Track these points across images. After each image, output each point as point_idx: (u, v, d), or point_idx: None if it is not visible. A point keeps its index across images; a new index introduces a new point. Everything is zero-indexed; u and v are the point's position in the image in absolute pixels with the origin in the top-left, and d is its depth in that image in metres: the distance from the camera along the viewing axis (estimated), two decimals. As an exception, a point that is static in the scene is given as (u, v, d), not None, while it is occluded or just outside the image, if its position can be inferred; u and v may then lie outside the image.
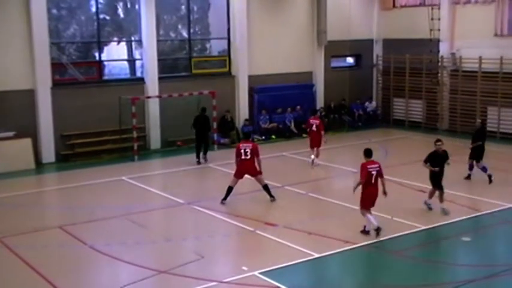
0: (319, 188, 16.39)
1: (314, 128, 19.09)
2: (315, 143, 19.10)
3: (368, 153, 12.69)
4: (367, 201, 12.57)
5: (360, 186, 12.55)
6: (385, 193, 12.53)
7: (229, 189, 14.91)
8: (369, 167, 12.47)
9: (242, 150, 14.78)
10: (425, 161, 13.92)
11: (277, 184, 16.63)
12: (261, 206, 14.97)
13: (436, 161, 13.81)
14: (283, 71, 24.50)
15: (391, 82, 26.58)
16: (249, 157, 14.76)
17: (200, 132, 19.54)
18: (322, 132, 19.13)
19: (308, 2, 25.16)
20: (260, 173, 14.98)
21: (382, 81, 27.31)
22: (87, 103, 20.37)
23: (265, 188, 15.13)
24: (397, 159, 20.01)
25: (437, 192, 14.03)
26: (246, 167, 14.87)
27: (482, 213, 13.97)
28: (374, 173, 12.43)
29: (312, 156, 19.07)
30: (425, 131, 24.89)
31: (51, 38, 19.93)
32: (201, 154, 19.59)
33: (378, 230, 12.38)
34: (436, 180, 13.94)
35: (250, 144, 15.03)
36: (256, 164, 14.89)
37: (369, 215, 12.51)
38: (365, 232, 12.56)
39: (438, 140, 14.06)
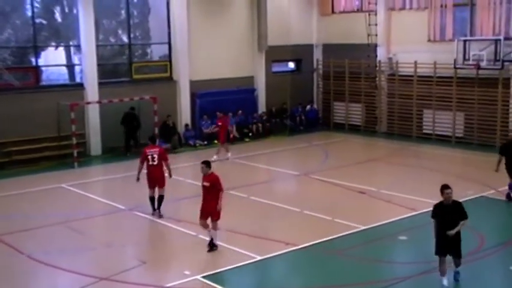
0: (260, 191, 16.52)
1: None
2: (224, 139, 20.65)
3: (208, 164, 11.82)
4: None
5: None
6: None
7: (151, 199, 14.21)
8: (204, 183, 11.78)
9: (149, 156, 13.91)
10: (433, 216, 10.17)
11: (220, 188, 16.67)
12: (203, 211, 14.94)
13: (445, 217, 9.94)
14: (224, 76, 24.58)
15: (331, 86, 27.08)
16: (156, 163, 13.91)
17: (128, 129, 21.18)
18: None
19: (248, 7, 25.37)
20: (164, 184, 14.12)
21: (322, 85, 27.78)
22: (24, 109, 19.86)
23: (160, 199, 14.15)
24: (338, 161, 20.43)
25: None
26: (154, 174, 13.94)
27: (418, 213, 14.40)
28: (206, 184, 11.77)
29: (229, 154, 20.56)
30: (364, 133, 25.50)
31: (-15, 43, 19.38)
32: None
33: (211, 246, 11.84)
34: (443, 245, 10.01)
35: (157, 149, 14.21)
36: (165, 169, 14.09)
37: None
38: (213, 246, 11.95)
39: (446, 187, 9.99)
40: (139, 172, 14.15)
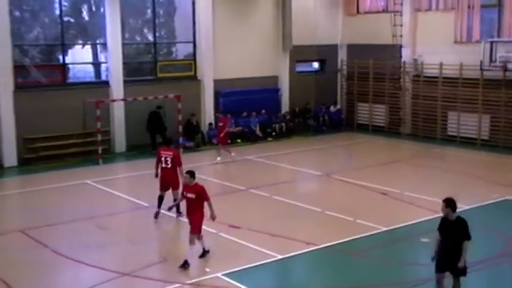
0: (282, 191, 16.55)
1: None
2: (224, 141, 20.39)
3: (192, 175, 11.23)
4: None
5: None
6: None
7: (160, 198, 13.95)
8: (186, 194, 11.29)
9: (163, 158, 13.78)
10: (438, 229, 9.41)
11: (242, 187, 16.77)
12: (225, 209, 14.93)
13: (447, 233, 9.22)
14: (248, 75, 24.65)
15: (355, 87, 26.98)
16: (169, 166, 13.72)
17: (153, 127, 21.42)
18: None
19: (273, 7, 25.40)
20: (178, 187, 13.48)
21: (346, 86, 27.69)
22: (50, 106, 20.17)
23: (174, 201, 13.60)
24: (360, 162, 20.36)
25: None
26: (166, 177, 13.77)
27: (441, 215, 14.27)
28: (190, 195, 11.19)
29: (233, 153, 20.30)
30: (388, 135, 25.35)
31: (14, 41, 19.69)
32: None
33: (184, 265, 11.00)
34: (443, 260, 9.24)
35: (171, 153, 13.88)
36: (178, 174, 13.60)
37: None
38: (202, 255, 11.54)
39: (444, 201, 9.36)
40: (156, 169, 14.15)
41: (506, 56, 20.94)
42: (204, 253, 11.60)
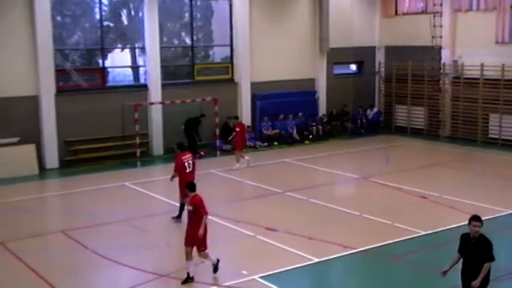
0: (320, 194, 16.46)
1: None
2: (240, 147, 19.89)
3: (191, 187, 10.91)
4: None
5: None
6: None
7: (182, 205, 13.78)
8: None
9: (186, 163, 13.76)
10: (459, 250, 8.75)
11: (279, 190, 16.75)
12: (262, 212, 15.06)
13: (468, 253, 8.57)
14: (285, 78, 24.63)
15: (393, 89, 26.66)
16: (192, 169, 13.84)
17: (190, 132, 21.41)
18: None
19: (310, 9, 25.32)
20: None
21: (384, 88, 27.40)
22: (90, 109, 20.52)
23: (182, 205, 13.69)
24: (399, 165, 20.11)
25: None
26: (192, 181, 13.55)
27: (483, 219, 13.97)
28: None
29: (247, 157, 19.90)
30: (427, 137, 24.95)
31: (56, 45, 20.10)
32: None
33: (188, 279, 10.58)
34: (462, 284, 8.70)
35: (190, 155, 14.08)
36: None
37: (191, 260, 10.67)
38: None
39: (476, 219, 8.60)
40: (174, 176, 14.05)
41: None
42: (188, 279, 10.58)
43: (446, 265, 8.69)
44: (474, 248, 8.40)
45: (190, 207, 10.62)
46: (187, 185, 11.00)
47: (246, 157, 19.95)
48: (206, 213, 10.51)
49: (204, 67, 23.69)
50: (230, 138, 21.41)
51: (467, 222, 8.57)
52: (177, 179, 14.03)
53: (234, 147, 20.81)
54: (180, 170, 13.81)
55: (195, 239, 10.46)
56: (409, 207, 15.15)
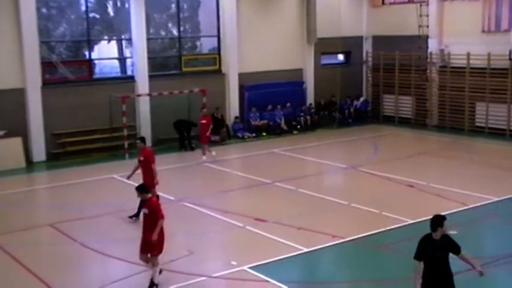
0: (308, 184, 16.52)
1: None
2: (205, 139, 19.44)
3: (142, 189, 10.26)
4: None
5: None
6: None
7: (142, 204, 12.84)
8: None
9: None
10: (417, 258, 8.01)
11: (267, 180, 16.78)
12: (251, 202, 15.09)
13: (433, 255, 7.92)
14: (273, 68, 24.60)
15: (381, 79, 26.74)
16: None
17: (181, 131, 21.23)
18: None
19: (298, -1, 25.31)
20: None
21: (372, 78, 27.47)
22: (77, 102, 20.41)
23: None
24: (386, 154, 20.21)
25: None
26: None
27: (470, 207, 14.13)
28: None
29: (213, 152, 19.45)
30: (414, 127, 25.09)
31: (41, 37, 19.96)
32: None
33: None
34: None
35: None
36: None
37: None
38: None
39: (444, 219, 8.05)
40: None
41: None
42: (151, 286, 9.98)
43: (417, 283, 7.91)
44: (441, 247, 7.90)
45: (146, 210, 10.04)
46: (140, 188, 10.33)
47: (213, 152, 19.53)
48: (162, 217, 9.86)
49: (191, 58, 23.60)
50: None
51: (431, 225, 7.99)
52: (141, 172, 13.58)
53: (200, 139, 19.99)
54: (151, 162, 13.45)
55: (150, 244, 9.83)
56: (396, 196, 15.25)
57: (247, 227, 12.96)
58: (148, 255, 10.05)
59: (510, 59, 21.52)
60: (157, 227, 9.82)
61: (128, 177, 13.96)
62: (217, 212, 14.16)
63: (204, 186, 16.56)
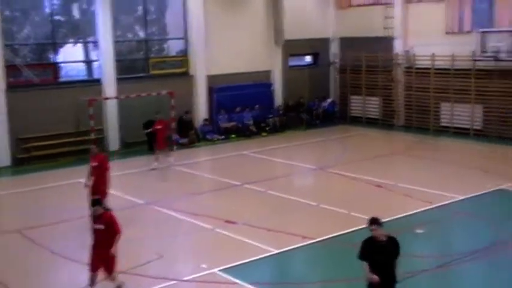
0: (278, 185, 16.57)
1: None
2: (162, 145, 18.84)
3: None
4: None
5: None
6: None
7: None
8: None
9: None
10: (361, 258, 8.20)
11: (237, 182, 16.79)
12: (220, 205, 15.07)
13: (376, 257, 8.06)
14: (241, 70, 24.62)
15: (348, 80, 26.99)
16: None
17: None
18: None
19: (265, 1, 25.35)
20: None
21: (339, 79, 27.69)
22: (43, 105, 20.09)
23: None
24: (355, 155, 20.40)
25: None
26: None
27: (435, 206, 14.36)
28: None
29: (171, 158, 19.03)
30: (382, 127, 25.39)
31: (5, 40, 19.60)
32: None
33: None
34: None
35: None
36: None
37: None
38: None
39: (373, 222, 8.33)
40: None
41: (498, 46, 20.97)
42: None
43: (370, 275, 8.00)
44: (385, 250, 8.03)
45: (102, 226, 9.46)
46: (94, 202, 10.08)
47: (171, 158, 19.18)
48: (119, 232, 9.51)
49: (159, 61, 23.47)
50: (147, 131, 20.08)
51: (369, 226, 8.30)
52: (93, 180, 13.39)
53: (156, 145, 19.10)
54: (105, 169, 13.36)
55: (106, 261, 9.42)
56: (365, 196, 15.40)
57: (217, 230, 12.94)
58: (104, 274, 9.57)
59: (473, 60, 21.94)
60: (116, 242, 9.42)
61: (86, 185, 13.53)
62: (186, 215, 14.10)
63: (173, 189, 16.47)
